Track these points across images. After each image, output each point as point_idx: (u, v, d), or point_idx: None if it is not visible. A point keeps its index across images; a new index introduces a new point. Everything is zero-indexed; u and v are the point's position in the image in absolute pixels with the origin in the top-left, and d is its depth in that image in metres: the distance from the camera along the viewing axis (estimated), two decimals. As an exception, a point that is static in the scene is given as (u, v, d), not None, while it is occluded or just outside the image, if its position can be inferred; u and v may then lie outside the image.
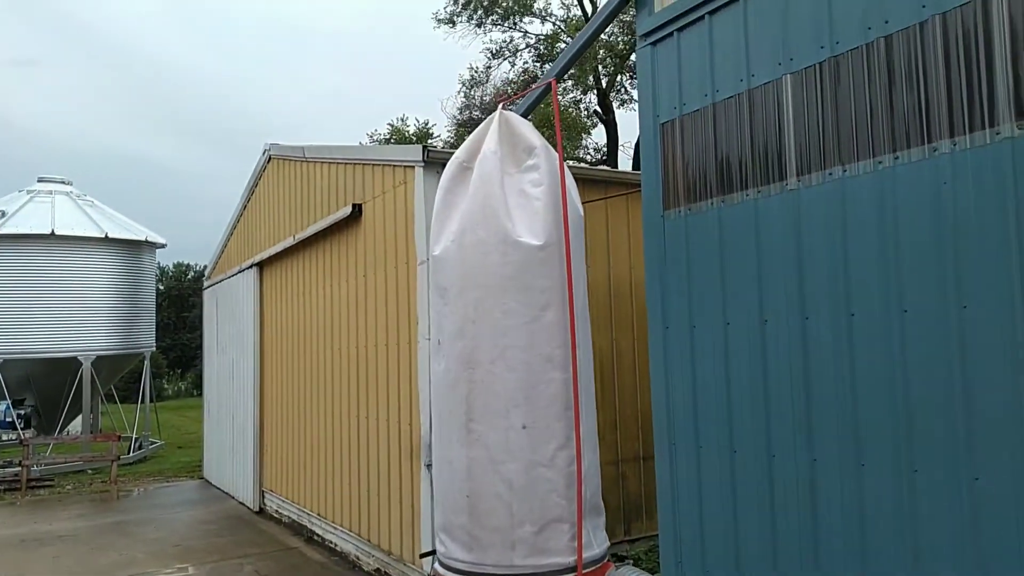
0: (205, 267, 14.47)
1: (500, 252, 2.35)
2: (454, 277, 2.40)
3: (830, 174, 3.73)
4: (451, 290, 2.39)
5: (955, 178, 3.23)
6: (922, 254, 3.35)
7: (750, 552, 4.08)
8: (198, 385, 24.96)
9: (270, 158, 10.49)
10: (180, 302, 42.60)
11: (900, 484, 3.41)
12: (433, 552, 2.60)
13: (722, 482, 4.23)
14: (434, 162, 6.37)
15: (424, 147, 6.31)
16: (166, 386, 39.46)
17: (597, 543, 2.29)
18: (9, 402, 15.30)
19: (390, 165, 6.97)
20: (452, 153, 6.72)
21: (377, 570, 7.09)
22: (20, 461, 12.70)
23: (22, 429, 15.25)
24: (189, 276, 44.09)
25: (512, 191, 2.40)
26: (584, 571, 2.28)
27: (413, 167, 6.51)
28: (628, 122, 23.86)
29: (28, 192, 17.17)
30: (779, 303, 3.96)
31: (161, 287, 36.62)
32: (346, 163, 7.93)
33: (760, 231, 4.06)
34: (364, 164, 7.52)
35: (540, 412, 2.33)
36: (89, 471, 14.51)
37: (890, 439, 3.45)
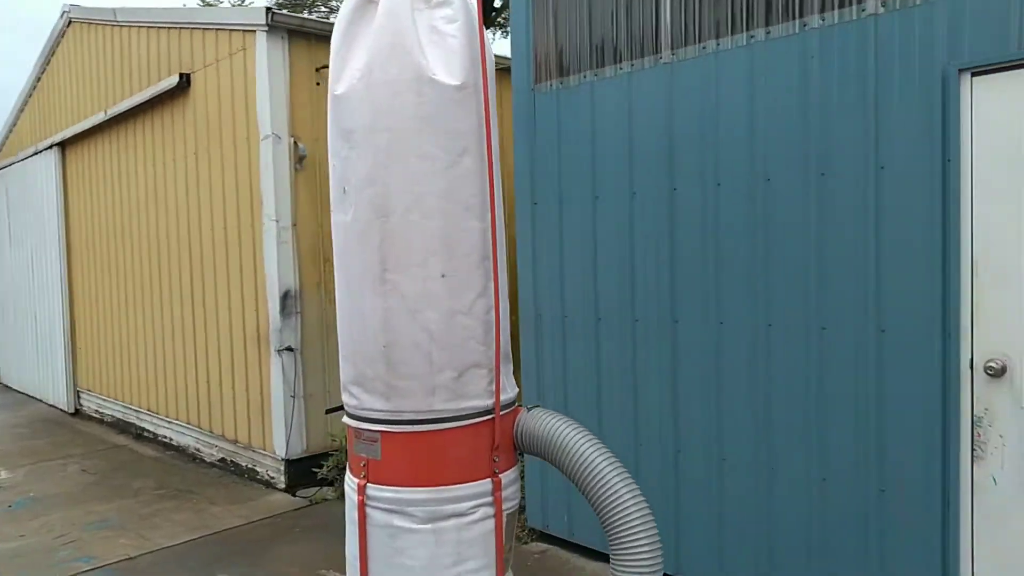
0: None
1: (415, 91, 2.22)
2: (362, 118, 2.24)
3: (704, 47, 3.84)
4: (357, 132, 2.24)
5: (821, 53, 3.44)
6: (787, 127, 3.57)
7: (612, 414, 4.35)
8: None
9: (70, 21, 9.20)
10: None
11: (756, 337, 3.73)
12: (339, 408, 2.53)
13: (587, 347, 4.44)
14: (279, 27, 5.88)
15: (268, 9, 5.78)
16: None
17: (510, 387, 2.32)
18: None
19: (226, 30, 6.34)
20: (303, 18, 6.28)
21: (222, 460, 6.87)
22: None
23: None
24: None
25: (424, 27, 2.25)
26: (500, 413, 2.32)
27: (254, 31, 5.96)
28: None
29: None
30: (648, 177, 4.10)
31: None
32: (170, 28, 7.12)
33: (633, 105, 4.14)
34: (193, 28, 6.79)
35: (459, 261, 2.29)
36: None
37: (748, 299, 3.75)
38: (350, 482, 2.41)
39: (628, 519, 2.22)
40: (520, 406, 2.48)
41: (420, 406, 2.27)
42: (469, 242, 2.29)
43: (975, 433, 3.20)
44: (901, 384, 3.32)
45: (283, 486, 6.12)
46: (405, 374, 2.25)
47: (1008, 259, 3.09)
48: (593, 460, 2.28)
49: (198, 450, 7.24)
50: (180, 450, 7.52)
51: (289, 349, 6.03)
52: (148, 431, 8.12)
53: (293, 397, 6.03)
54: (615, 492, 2.24)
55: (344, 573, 3.66)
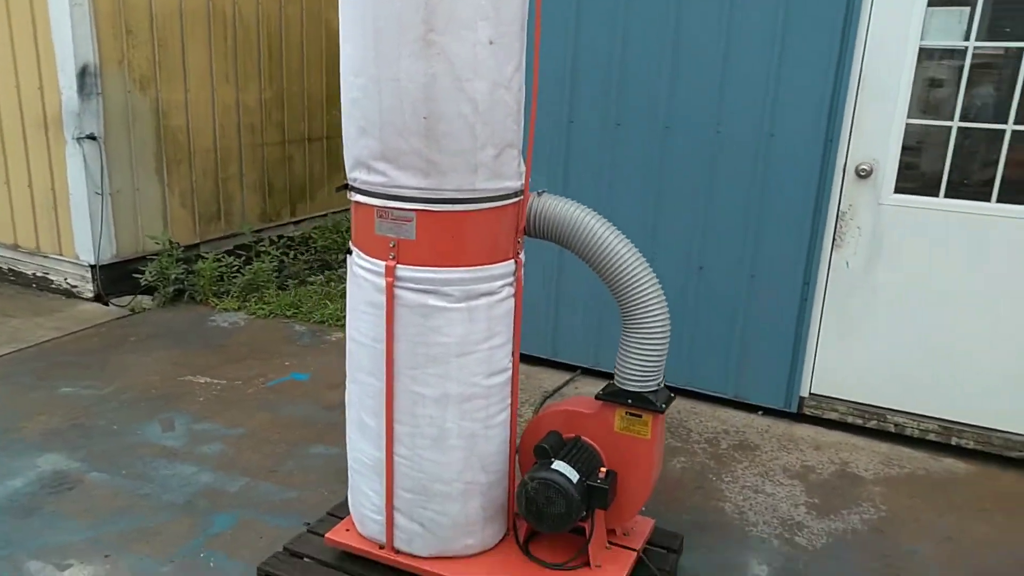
0: None
1: None
2: None
3: None
4: None
5: None
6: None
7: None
8: None
9: None
10: None
11: (653, 138, 3.94)
12: (346, 186, 2.32)
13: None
14: None
15: None
16: None
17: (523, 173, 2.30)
18: None
19: None
20: None
21: (-7, 269, 5.90)
22: None
23: None
24: None
25: None
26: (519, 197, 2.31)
27: None
28: None
29: None
30: None
31: None
32: None
33: None
34: None
35: (505, 27, 2.10)
36: None
37: (646, 106, 3.91)
38: (368, 264, 2.27)
39: (643, 294, 2.37)
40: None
41: (462, 184, 2.16)
42: (513, 7, 2.12)
43: (838, 225, 3.77)
44: (784, 184, 3.76)
45: (91, 295, 5.46)
46: (449, 149, 2.11)
47: (890, 77, 3.53)
48: (609, 240, 2.36)
49: (-46, 258, 6.12)
50: (-76, 259, 6.30)
51: (91, 137, 5.17)
52: None
53: (99, 194, 5.26)
54: (631, 269, 2.36)
55: (206, 376, 3.54)
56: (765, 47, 3.65)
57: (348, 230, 7.06)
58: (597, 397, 2.51)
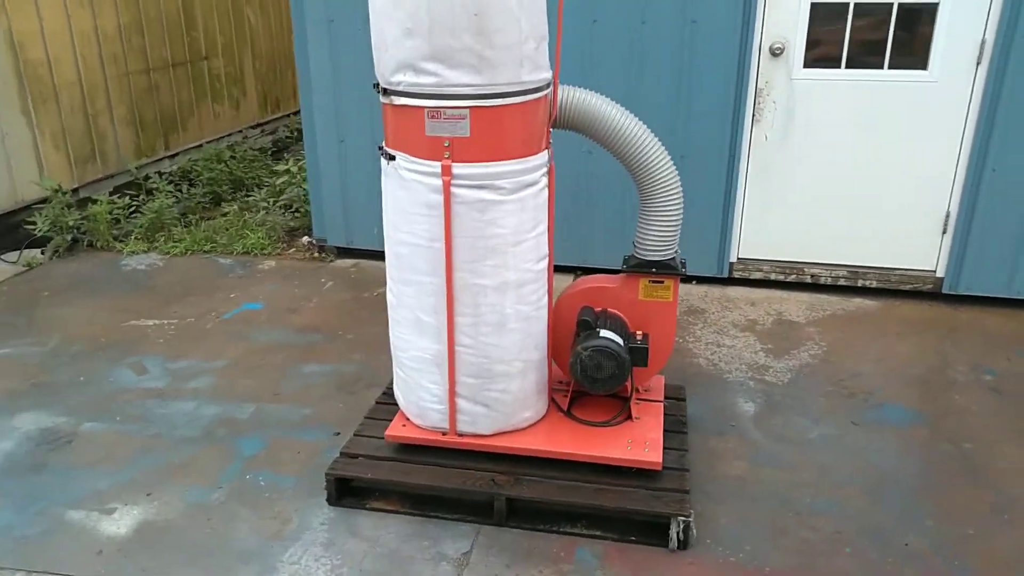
0: None
1: None
2: None
3: None
4: None
5: None
6: None
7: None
8: None
9: None
10: None
11: (583, 30, 4.10)
12: (384, 90, 2.34)
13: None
14: None
15: None
16: None
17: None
18: None
19: None
20: None
21: None
22: None
23: None
24: None
25: None
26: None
27: None
28: None
29: None
30: None
31: None
32: None
33: None
34: None
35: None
36: None
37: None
38: (420, 166, 2.33)
39: (664, 175, 2.59)
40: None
41: (512, 78, 2.25)
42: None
43: (756, 102, 4.16)
44: (707, 67, 4.08)
45: (-30, 252, 4.96)
46: (499, 44, 2.19)
47: (793, -42, 3.89)
48: (633, 130, 2.54)
49: None
50: None
51: (-51, 77, 4.60)
52: None
53: (-32, 140, 4.72)
54: (653, 154, 2.57)
55: (153, 319, 3.56)
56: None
57: (232, 159, 6.74)
58: (623, 270, 2.75)
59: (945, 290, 4.22)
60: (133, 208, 5.45)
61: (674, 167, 2.63)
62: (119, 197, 5.55)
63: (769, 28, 4.02)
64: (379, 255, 5.02)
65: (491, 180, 2.33)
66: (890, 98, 4.01)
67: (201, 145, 6.98)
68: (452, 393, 2.58)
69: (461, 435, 2.66)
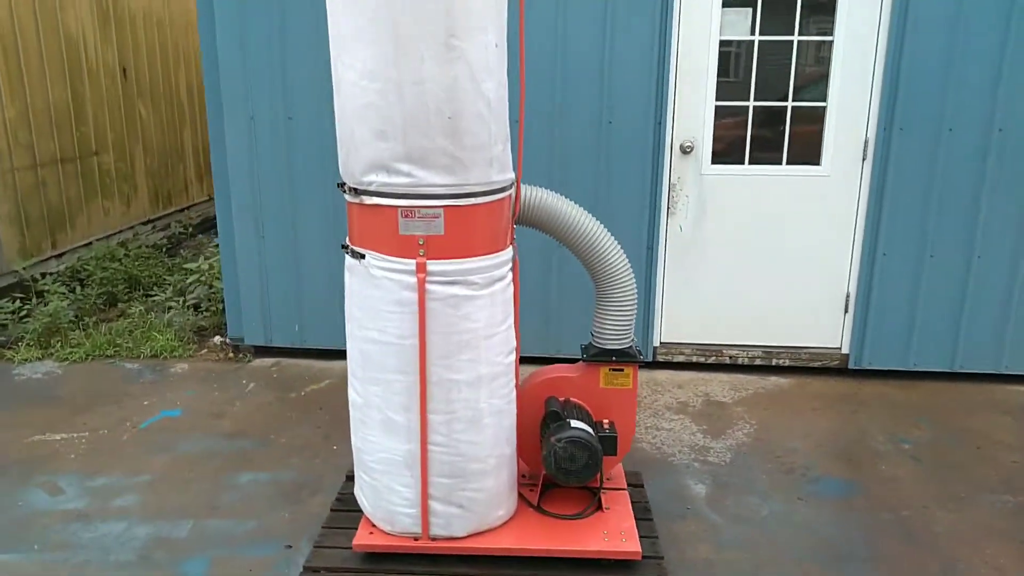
0: None
1: None
2: None
3: None
4: None
5: None
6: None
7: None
8: None
9: None
10: None
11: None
12: (350, 189, 2.35)
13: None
14: None
15: None
16: None
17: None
18: None
19: None
20: None
21: None
22: None
23: None
24: None
25: None
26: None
27: None
28: None
29: None
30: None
31: None
32: None
33: None
34: None
35: (501, 33, 2.30)
36: None
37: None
38: (393, 264, 2.32)
39: (619, 271, 2.69)
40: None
41: (483, 177, 2.31)
42: (505, 13, 2.32)
43: (671, 196, 4.42)
44: (624, 164, 4.31)
45: None
46: (470, 145, 2.25)
47: (699, 64, 4.23)
48: (591, 229, 2.65)
49: None
50: None
51: None
52: None
53: None
54: (609, 252, 2.67)
55: (60, 433, 3.40)
56: (595, 48, 4.15)
57: (126, 257, 6.43)
58: (583, 360, 2.80)
59: (851, 365, 4.52)
60: (24, 312, 5.07)
61: (627, 261, 2.74)
62: (7, 301, 5.15)
63: (679, 127, 4.32)
64: (301, 353, 4.90)
65: (464, 276, 2.36)
66: (790, 190, 4.37)
67: (91, 243, 6.63)
68: (424, 495, 2.50)
69: (434, 539, 2.57)
